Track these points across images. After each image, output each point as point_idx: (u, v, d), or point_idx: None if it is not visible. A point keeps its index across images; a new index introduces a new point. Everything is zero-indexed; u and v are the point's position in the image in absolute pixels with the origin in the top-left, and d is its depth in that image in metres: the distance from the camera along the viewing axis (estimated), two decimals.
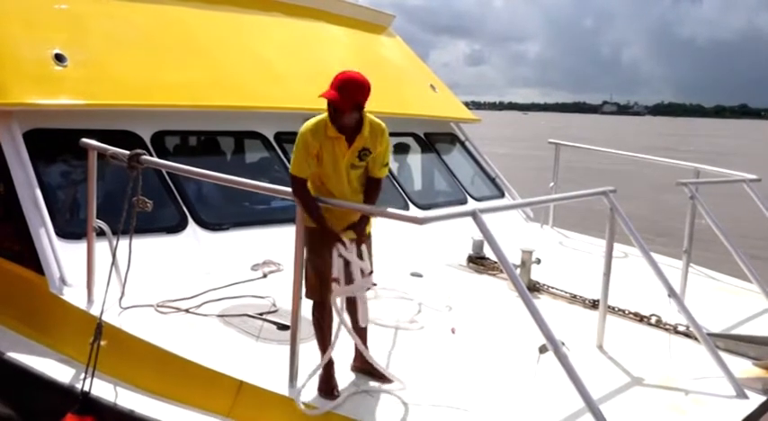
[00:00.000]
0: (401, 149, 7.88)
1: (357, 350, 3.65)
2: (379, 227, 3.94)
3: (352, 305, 3.54)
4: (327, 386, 3.49)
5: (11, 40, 5.06)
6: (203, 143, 6.67)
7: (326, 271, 3.43)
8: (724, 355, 3.93)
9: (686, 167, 7.09)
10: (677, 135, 78.93)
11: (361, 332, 3.60)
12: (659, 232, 11.68)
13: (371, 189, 3.76)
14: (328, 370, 3.53)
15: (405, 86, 7.95)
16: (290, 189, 3.55)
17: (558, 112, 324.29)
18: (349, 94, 3.47)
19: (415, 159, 7.96)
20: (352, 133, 3.60)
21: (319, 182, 3.61)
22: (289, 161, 6.27)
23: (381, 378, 3.64)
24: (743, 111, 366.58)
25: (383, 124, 3.73)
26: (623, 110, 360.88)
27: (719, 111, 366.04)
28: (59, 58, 5.09)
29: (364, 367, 3.69)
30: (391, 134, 7.30)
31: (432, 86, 8.24)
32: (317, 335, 3.63)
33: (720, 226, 5.24)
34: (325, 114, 3.59)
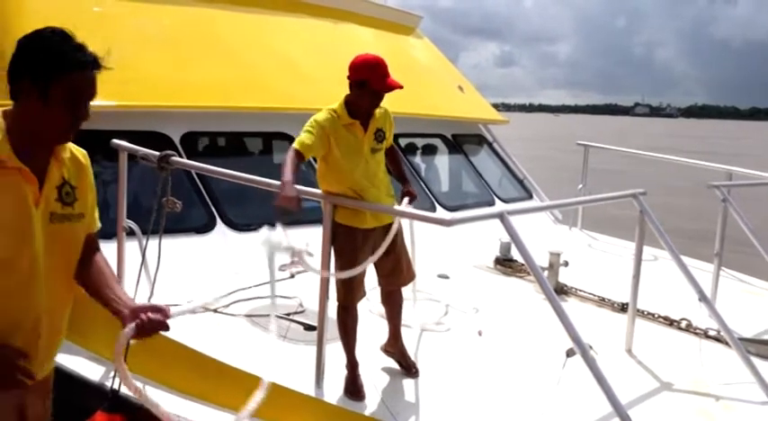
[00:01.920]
0: (429, 150, 7.87)
1: (391, 333, 3.82)
2: (405, 228, 3.98)
3: (390, 294, 3.76)
4: (354, 387, 3.52)
5: None
6: (232, 144, 6.72)
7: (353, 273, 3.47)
8: (755, 360, 3.86)
9: (718, 170, 7.00)
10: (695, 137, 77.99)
11: (395, 318, 3.80)
12: (690, 235, 11.53)
13: (394, 159, 3.88)
14: (354, 371, 3.56)
15: (432, 88, 7.94)
16: (317, 190, 3.58)
17: (588, 114, 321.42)
18: (386, 74, 3.56)
19: (443, 160, 7.95)
20: (366, 118, 3.63)
21: (343, 178, 3.61)
22: (316, 162, 6.33)
23: (408, 368, 3.73)
24: None
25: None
26: (655, 111, 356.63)
27: (755, 113, 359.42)
28: None
29: (394, 351, 3.81)
30: (419, 135, 7.40)
31: (459, 87, 8.22)
32: (342, 338, 3.66)
33: (752, 229, 5.17)
34: (333, 105, 3.63)
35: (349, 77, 3.65)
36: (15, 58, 2.11)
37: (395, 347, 3.83)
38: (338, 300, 3.63)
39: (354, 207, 3.58)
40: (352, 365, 3.57)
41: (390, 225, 3.66)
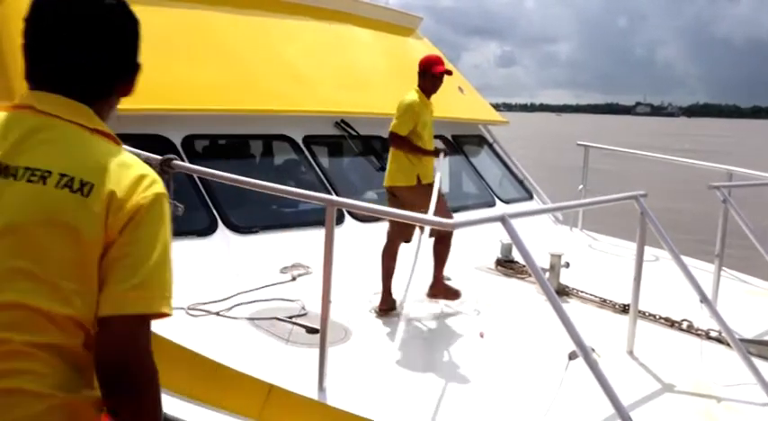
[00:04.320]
0: None
1: (435, 277, 4.92)
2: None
3: (439, 240, 4.83)
4: (387, 305, 4.67)
5: None
6: (232, 146, 6.73)
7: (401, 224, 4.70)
8: (757, 361, 3.86)
9: (718, 170, 7.02)
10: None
11: (441, 263, 4.91)
12: (690, 235, 11.54)
13: None
14: (388, 290, 4.72)
15: None
16: (320, 194, 3.61)
17: (590, 114, 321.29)
18: (440, 63, 5.22)
19: (443, 162, 7.94)
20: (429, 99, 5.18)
21: (421, 144, 5.01)
22: (318, 164, 6.35)
23: (455, 294, 4.88)
24: None
25: None
26: (657, 111, 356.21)
27: (757, 112, 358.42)
28: None
29: (438, 291, 4.90)
30: None
31: (459, 88, 8.22)
32: (383, 267, 4.81)
33: (753, 229, 5.17)
34: (412, 92, 5.09)
35: (418, 71, 5.16)
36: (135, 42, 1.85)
37: (437, 288, 4.93)
38: (388, 237, 4.87)
39: (356, 209, 3.61)
40: (388, 286, 4.73)
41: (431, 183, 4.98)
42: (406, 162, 4.98)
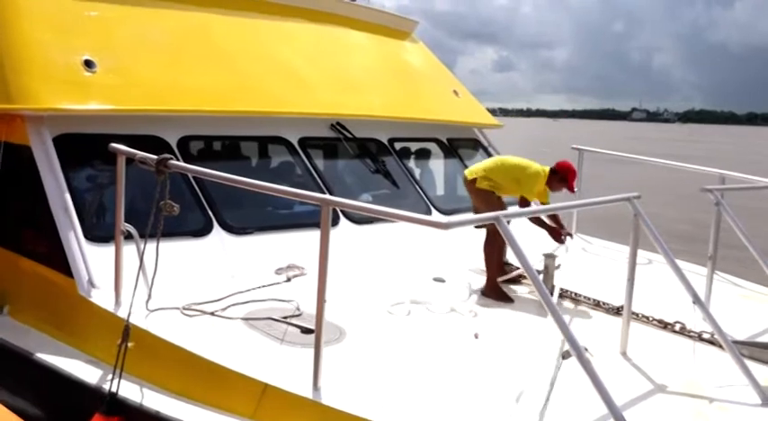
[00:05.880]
0: (424, 155, 7.91)
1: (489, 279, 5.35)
2: (400, 232, 4.03)
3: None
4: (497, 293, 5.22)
5: (42, 47, 5.17)
6: (228, 148, 6.74)
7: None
8: (749, 363, 3.90)
9: (711, 173, 7.05)
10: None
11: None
12: (684, 238, 11.59)
13: None
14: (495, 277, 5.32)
15: (428, 92, 7.99)
16: (316, 194, 3.64)
17: (586, 119, 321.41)
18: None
19: (438, 164, 7.98)
20: None
21: None
22: (313, 166, 6.36)
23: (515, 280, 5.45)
24: None
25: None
26: (653, 117, 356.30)
27: (752, 119, 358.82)
28: (89, 64, 5.18)
29: (490, 293, 5.25)
30: (414, 139, 7.46)
31: (455, 92, 8.25)
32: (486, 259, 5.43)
33: (746, 232, 5.20)
34: (544, 170, 5.72)
35: (556, 169, 5.72)
36: None
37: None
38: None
39: (351, 209, 3.61)
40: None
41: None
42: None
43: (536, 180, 5.68)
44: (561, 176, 5.68)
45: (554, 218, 5.77)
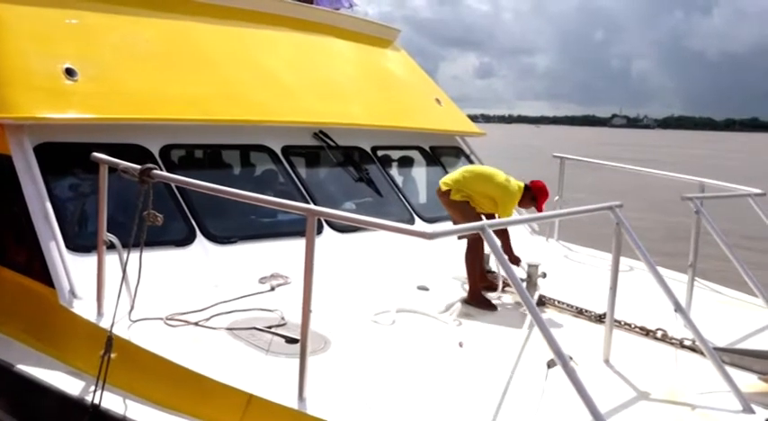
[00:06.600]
0: (406, 163, 7.93)
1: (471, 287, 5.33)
2: (384, 240, 4.02)
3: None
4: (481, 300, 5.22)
5: (22, 55, 5.13)
6: (211, 156, 6.72)
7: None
8: (730, 370, 3.94)
9: (691, 181, 7.13)
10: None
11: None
12: (664, 246, 11.69)
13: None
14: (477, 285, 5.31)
15: (410, 100, 8.01)
16: (300, 204, 3.64)
17: (567, 125, 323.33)
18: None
19: (421, 172, 8.00)
20: None
21: None
22: (296, 175, 6.36)
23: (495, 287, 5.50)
24: (754, 125, 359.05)
25: None
26: (633, 123, 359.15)
27: (730, 125, 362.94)
28: (70, 73, 5.16)
29: (473, 302, 5.22)
30: (397, 147, 7.49)
31: (437, 100, 8.28)
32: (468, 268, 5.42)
33: (725, 240, 5.26)
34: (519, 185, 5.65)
35: (530, 186, 5.68)
36: None
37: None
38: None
39: (336, 218, 3.60)
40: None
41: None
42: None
43: (514, 200, 5.60)
44: (533, 196, 5.65)
45: (505, 240, 5.50)
